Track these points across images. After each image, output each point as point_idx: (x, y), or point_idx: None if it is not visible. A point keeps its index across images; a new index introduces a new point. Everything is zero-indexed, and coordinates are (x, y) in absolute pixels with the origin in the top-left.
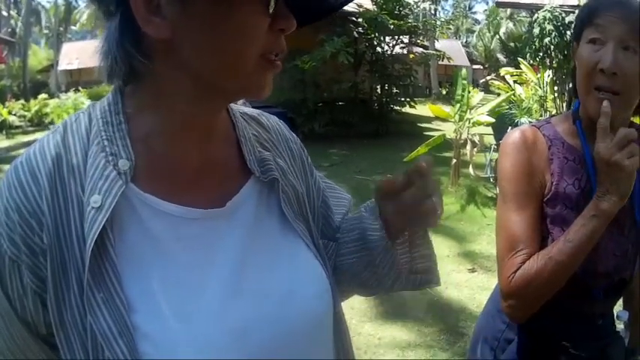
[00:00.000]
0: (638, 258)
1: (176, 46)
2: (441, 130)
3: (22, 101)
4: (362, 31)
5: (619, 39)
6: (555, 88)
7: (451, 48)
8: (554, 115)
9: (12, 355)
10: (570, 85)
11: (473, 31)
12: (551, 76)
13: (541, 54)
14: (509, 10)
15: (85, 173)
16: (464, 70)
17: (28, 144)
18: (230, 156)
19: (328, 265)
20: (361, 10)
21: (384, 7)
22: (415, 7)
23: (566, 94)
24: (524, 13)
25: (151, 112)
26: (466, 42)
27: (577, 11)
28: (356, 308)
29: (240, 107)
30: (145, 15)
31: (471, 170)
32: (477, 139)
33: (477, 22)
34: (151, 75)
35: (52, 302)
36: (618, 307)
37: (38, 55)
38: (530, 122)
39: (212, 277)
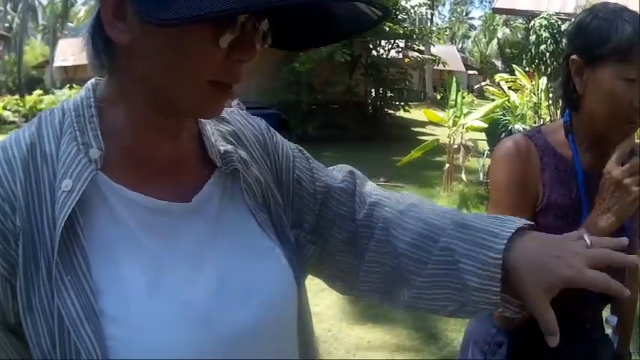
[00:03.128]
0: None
1: (134, 55)
2: (434, 135)
3: (16, 97)
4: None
5: None
6: (550, 95)
7: (447, 53)
8: (543, 124)
9: None
10: (562, 93)
11: (469, 37)
12: (546, 83)
13: (537, 61)
14: (505, 17)
15: (57, 160)
16: (458, 76)
17: None
18: (195, 150)
19: (292, 256)
20: None
21: None
22: (412, 11)
23: (560, 102)
24: (520, 20)
25: (118, 108)
26: (462, 47)
27: (589, 33)
28: (346, 311)
29: None
30: (110, 19)
31: (463, 176)
32: (470, 144)
33: (472, 27)
34: (117, 73)
35: (21, 286)
36: (607, 312)
37: (34, 51)
38: (523, 129)
39: (177, 264)
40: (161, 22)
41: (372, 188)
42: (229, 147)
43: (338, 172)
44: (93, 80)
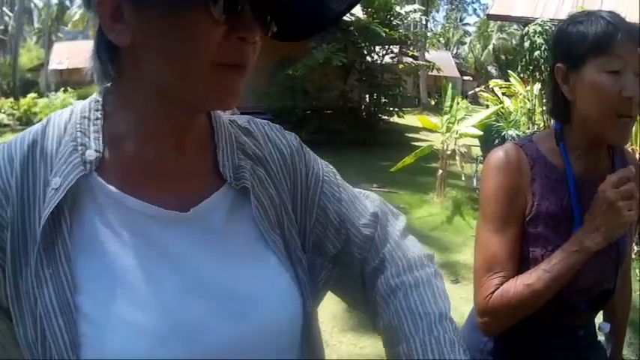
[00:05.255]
0: (619, 271)
1: (137, 54)
2: (428, 141)
3: (11, 99)
4: (352, 39)
5: (638, 67)
6: (544, 101)
7: (441, 59)
8: (535, 132)
9: None
10: (549, 105)
11: (463, 43)
12: (540, 89)
13: (531, 67)
14: (499, 23)
15: (55, 159)
16: (453, 81)
17: None
18: (205, 162)
19: (304, 278)
20: (352, 18)
21: (375, 16)
22: (406, 17)
23: None
24: (515, 26)
25: (123, 113)
26: (456, 53)
27: (567, 38)
28: (338, 317)
29: (230, 116)
30: (109, 23)
31: (463, 179)
32: (464, 150)
33: (467, 33)
34: (123, 79)
35: (9, 274)
36: (600, 319)
37: (29, 54)
38: (517, 135)
39: (168, 273)
40: None
41: (391, 232)
42: (244, 162)
43: (364, 209)
44: (103, 84)
